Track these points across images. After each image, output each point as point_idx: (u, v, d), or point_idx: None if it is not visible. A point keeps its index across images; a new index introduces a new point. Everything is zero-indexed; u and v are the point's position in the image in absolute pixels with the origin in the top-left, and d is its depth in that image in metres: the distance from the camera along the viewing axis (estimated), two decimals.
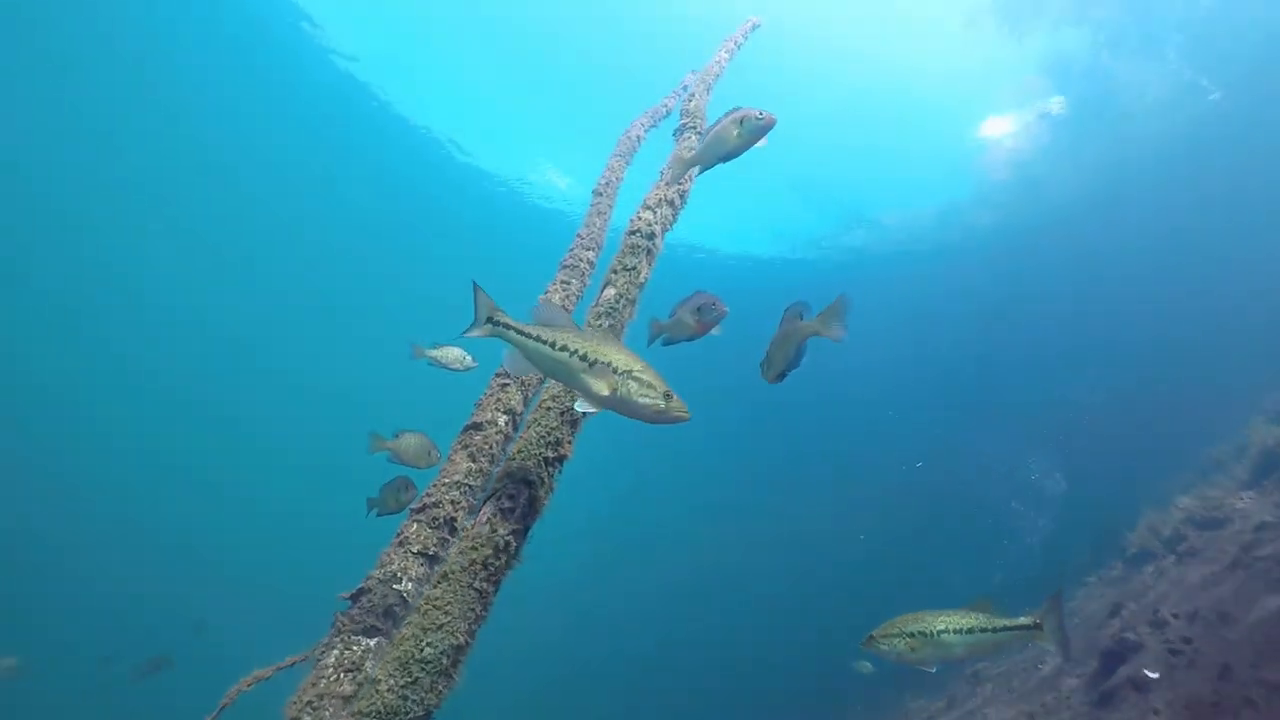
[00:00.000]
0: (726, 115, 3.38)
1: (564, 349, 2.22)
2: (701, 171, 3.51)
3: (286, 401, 33.89)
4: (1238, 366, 15.58)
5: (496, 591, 2.02)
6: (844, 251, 25.59)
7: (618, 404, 2.12)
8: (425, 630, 1.82)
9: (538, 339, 2.27)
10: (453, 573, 1.97)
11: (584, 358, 2.18)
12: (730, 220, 24.01)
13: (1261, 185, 19.36)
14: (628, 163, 4.66)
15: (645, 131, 5.03)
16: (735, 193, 20.90)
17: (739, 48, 5.45)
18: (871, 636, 3.31)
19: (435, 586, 1.95)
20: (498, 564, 2.03)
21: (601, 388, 2.12)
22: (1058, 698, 7.74)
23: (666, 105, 5.44)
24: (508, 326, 2.33)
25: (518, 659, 21.47)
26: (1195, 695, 5.85)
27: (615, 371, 2.13)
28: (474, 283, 2.36)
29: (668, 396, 2.10)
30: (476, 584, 1.95)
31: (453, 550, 2.07)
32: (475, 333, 2.36)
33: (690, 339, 3.72)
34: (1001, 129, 21.73)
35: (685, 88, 5.51)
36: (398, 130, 23.77)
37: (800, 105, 21.67)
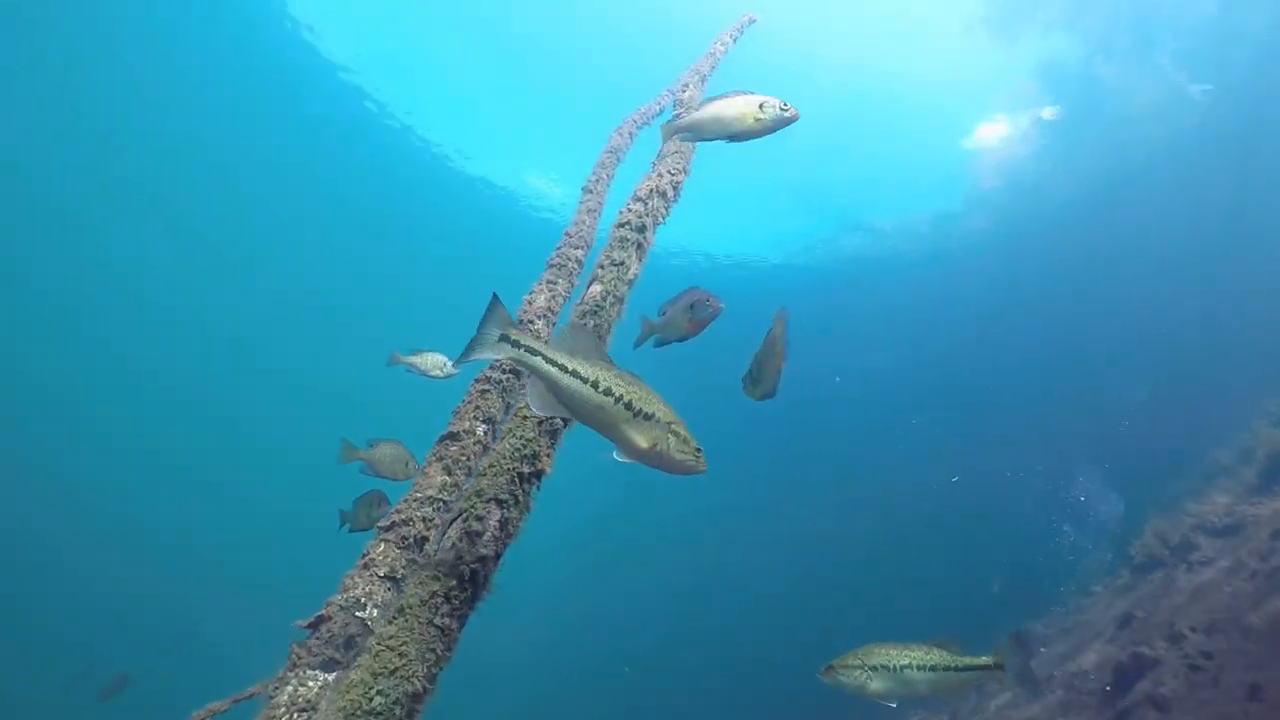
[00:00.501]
0: (747, 93, 3.15)
1: (608, 393, 1.88)
2: (693, 140, 3.28)
3: (284, 402, 33.87)
4: (1236, 368, 15.44)
5: (462, 627, 1.79)
6: (839, 256, 25.54)
7: (654, 458, 1.90)
8: (376, 675, 1.58)
9: (575, 374, 1.88)
10: (410, 606, 1.73)
11: (629, 406, 1.88)
12: (724, 223, 23.94)
13: (1257, 187, 19.22)
14: (619, 159, 4.48)
15: (638, 129, 4.87)
16: (729, 196, 20.88)
17: (735, 41, 5.28)
18: (831, 666, 3.16)
19: (390, 623, 1.70)
20: (463, 596, 1.80)
21: (642, 441, 1.88)
22: (1068, 715, 7.48)
23: (660, 103, 5.27)
24: (534, 352, 1.89)
25: (515, 664, 21.34)
26: (1222, 716, 5.49)
27: (658, 424, 1.89)
28: (494, 294, 1.94)
29: (698, 453, 1.93)
30: (438, 620, 1.72)
31: (410, 581, 1.83)
32: (485, 354, 1.90)
33: (683, 339, 3.54)
34: (995, 134, 21.64)
35: (681, 84, 5.35)
36: (393, 135, 23.84)
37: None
